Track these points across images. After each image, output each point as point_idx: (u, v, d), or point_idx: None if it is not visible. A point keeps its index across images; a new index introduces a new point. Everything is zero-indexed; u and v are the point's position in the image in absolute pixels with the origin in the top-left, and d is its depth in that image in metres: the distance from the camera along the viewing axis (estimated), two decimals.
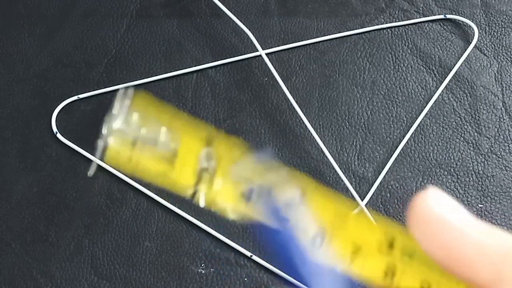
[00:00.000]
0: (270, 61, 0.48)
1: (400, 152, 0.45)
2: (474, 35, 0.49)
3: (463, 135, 0.46)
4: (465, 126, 0.46)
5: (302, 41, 0.50)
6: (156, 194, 0.44)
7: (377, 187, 0.44)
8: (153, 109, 0.18)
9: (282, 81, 0.46)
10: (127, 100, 0.17)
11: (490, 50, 0.49)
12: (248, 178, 0.17)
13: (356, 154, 0.45)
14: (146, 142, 0.17)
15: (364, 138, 0.46)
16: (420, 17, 0.51)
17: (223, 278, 0.41)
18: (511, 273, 0.17)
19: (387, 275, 0.19)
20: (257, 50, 0.48)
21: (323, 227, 0.18)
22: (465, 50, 0.49)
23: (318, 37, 0.50)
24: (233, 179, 0.17)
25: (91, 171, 0.18)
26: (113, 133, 0.17)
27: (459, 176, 0.44)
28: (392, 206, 0.43)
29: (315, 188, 0.18)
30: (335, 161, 0.44)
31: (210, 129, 0.18)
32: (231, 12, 0.49)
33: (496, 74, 0.48)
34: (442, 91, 0.47)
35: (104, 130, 0.17)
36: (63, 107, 0.47)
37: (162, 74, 0.49)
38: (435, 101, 0.47)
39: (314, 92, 0.48)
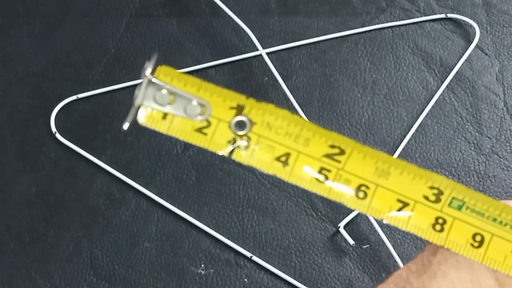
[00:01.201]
0: (271, 61, 0.47)
1: (401, 152, 0.45)
2: (475, 35, 0.49)
3: (464, 135, 0.46)
4: (466, 126, 0.46)
5: (302, 40, 0.50)
6: (156, 194, 0.43)
7: None
8: (181, 81, 0.20)
9: (283, 80, 0.46)
10: (152, 78, 0.20)
11: (491, 50, 0.49)
12: (283, 143, 0.20)
13: None
14: (180, 109, 0.20)
15: (364, 138, 0.46)
16: (421, 17, 0.51)
17: (223, 279, 0.41)
18: None
19: (435, 228, 0.20)
20: (257, 50, 0.48)
21: (365, 184, 0.21)
22: (466, 49, 0.49)
23: (318, 37, 0.50)
24: (269, 142, 0.20)
25: (126, 124, 0.18)
26: (146, 102, 0.19)
27: (460, 176, 0.44)
28: None
29: (354, 146, 0.21)
30: None
31: (240, 97, 0.21)
32: (231, 11, 0.49)
33: (498, 73, 0.48)
34: (443, 90, 0.47)
35: (138, 98, 0.20)
36: (62, 107, 0.47)
37: None
38: (436, 100, 0.47)
39: (314, 92, 0.48)
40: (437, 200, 0.21)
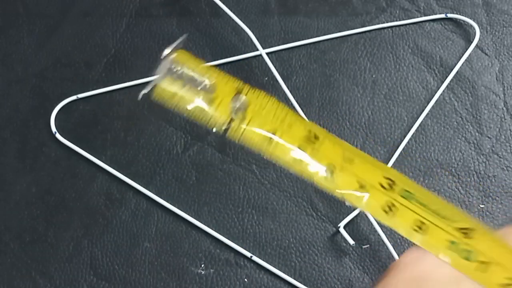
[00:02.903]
0: (270, 61, 0.47)
1: (401, 152, 0.45)
2: (475, 35, 0.49)
3: (464, 135, 0.46)
4: (466, 126, 0.46)
5: (302, 40, 0.50)
6: (156, 194, 0.43)
7: None
8: (194, 64, 0.23)
9: (283, 80, 0.46)
10: (171, 60, 0.23)
11: (491, 50, 0.49)
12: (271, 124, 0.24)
13: None
14: (190, 87, 0.23)
15: (364, 138, 0.46)
16: (421, 17, 0.51)
17: (223, 279, 0.41)
18: None
19: (385, 210, 0.24)
20: (257, 50, 0.48)
21: (333, 164, 0.25)
22: (466, 49, 0.49)
23: (318, 37, 0.50)
24: (260, 120, 0.24)
25: (143, 93, 0.22)
26: (162, 80, 0.23)
27: (460, 177, 0.44)
28: None
29: (326, 135, 0.25)
30: None
31: (240, 81, 0.24)
32: (231, 11, 0.49)
33: (498, 73, 0.48)
34: (443, 90, 0.47)
35: (157, 77, 0.23)
36: (62, 107, 0.47)
37: None
38: (436, 100, 0.47)
39: (314, 92, 0.48)
40: (390, 189, 0.25)
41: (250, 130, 0.24)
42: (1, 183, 0.45)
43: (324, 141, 0.25)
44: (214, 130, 0.24)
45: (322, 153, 0.25)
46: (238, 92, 0.24)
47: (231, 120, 0.24)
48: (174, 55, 0.23)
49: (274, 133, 0.24)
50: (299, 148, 0.25)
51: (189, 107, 0.24)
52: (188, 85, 0.24)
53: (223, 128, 0.24)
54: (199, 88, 0.24)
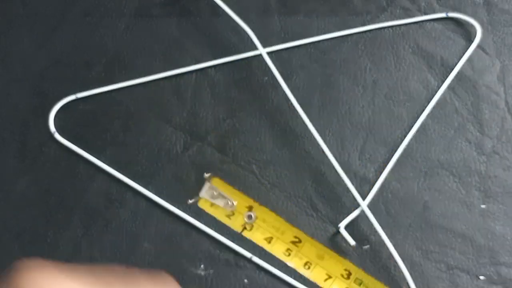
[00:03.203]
0: (271, 60, 0.47)
1: (401, 152, 0.45)
2: (476, 34, 0.49)
3: (465, 135, 0.46)
4: (468, 126, 0.46)
5: (302, 40, 0.49)
6: (156, 194, 0.43)
7: (379, 187, 0.43)
8: (224, 188, 0.40)
9: (283, 80, 0.46)
10: (210, 183, 0.39)
11: (492, 49, 0.49)
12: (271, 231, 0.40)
13: (358, 154, 0.45)
14: (221, 201, 0.40)
15: (365, 138, 0.46)
16: (421, 16, 0.51)
17: (223, 280, 0.41)
18: None
19: None
20: (257, 49, 0.47)
21: (311, 260, 0.40)
22: (467, 49, 0.49)
23: (318, 36, 0.50)
24: (262, 229, 0.39)
25: (191, 202, 0.41)
26: (204, 195, 0.39)
27: (461, 177, 0.44)
28: (394, 206, 0.43)
29: (306, 239, 0.40)
30: (336, 161, 0.43)
31: (252, 200, 0.41)
32: (231, 10, 0.49)
33: (499, 73, 0.48)
34: (444, 90, 0.47)
35: (201, 193, 0.41)
36: (61, 107, 0.47)
37: (161, 73, 0.48)
38: (437, 100, 0.47)
39: (314, 92, 0.48)
40: (348, 278, 0.40)
41: (256, 234, 0.39)
42: (0, 183, 0.44)
43: (305, 243, 0.40)
44: (237, 231, 0.40)
45: (302, 253, 0.39)
46: (250, 209, 0.39)
47: (245, 227, 0.38)
48: (212, 180, 0.39)
49: (272, 237, 0.39)
50: (288, 248, 0.40)
51: (219, 215, 0.40)
52: (220, 200, 0.39)
53: (239, 231, 0.39)
54: (228, 203, 0.39)
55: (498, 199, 0.43)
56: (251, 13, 0.51)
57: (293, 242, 0.39)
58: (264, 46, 0.48)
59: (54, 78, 0.48)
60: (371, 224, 0.42)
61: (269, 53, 0.48)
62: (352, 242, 0.41)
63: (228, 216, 0.41)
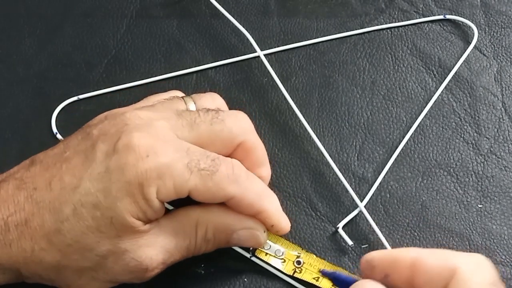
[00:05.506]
0: (270, 62, 0.48)
1: (399, 152, 0.45)
2: (473, 36, 0.50)
3: (462, 135, 0.46)
4: (465, 127, 0.46)
5: (301, 41, 0.50)
6: None
7: (377, 187, 0.44)
8: (276, 239, 0.40)
9: (282, 81, 0.46)
10: (266, 236, 0.39)
11: (489, 51, 0.49)
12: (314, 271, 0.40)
13: (356, 155, 0.45)
14: (274, 250, 0.40)
15: (363, 138, 0.46)
16: (419, 18, 0.51)
17: (223, 279, 0.41)
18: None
19: None
20: (256, 51, 0.48)
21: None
22: (465, 50, 0.49)
23: (317, 38, 0.50)
24: (309, 271, 0.40)
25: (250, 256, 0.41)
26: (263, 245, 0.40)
27: (458, 177, 0.44)
28: (392, 206, 0.43)
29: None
30: (334, 161, 0.44)
31: (300, 249, 0.40)
32: (230, 12, 0.49)
33: (496, 74, 0.48)
34: (442, 91, 0.48)
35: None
36: (63, 108, 0.47)
37: (162, 74, 0.49)
38: (435, 101, 0.47)
39: (313, 93, 0.48)
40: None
41: (304, 275, 0.39)
42: None
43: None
44: (288, 273, 0.40)
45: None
46: (298, 256, 0.40)
47: (295, 271, 0.39)
48: (266, 236, 0.39)
49: (318, 279, 0.39)
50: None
51: (273, 261, 0.40)
52: (273, 250, 0.40)
53: (290, 273, 0.39)
54: (281, 251, 0.40)
55: (495, 199, 0.43)
56: (250, 15, 0.51)
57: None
58: (264, 47, 0.49)
59: (56, 79, 0.49)
60: (369, 224, 0.42)
61: (267, 55, 0.48)
62: (349, 242, 0.41)
63: (282, 262, 0.41)
